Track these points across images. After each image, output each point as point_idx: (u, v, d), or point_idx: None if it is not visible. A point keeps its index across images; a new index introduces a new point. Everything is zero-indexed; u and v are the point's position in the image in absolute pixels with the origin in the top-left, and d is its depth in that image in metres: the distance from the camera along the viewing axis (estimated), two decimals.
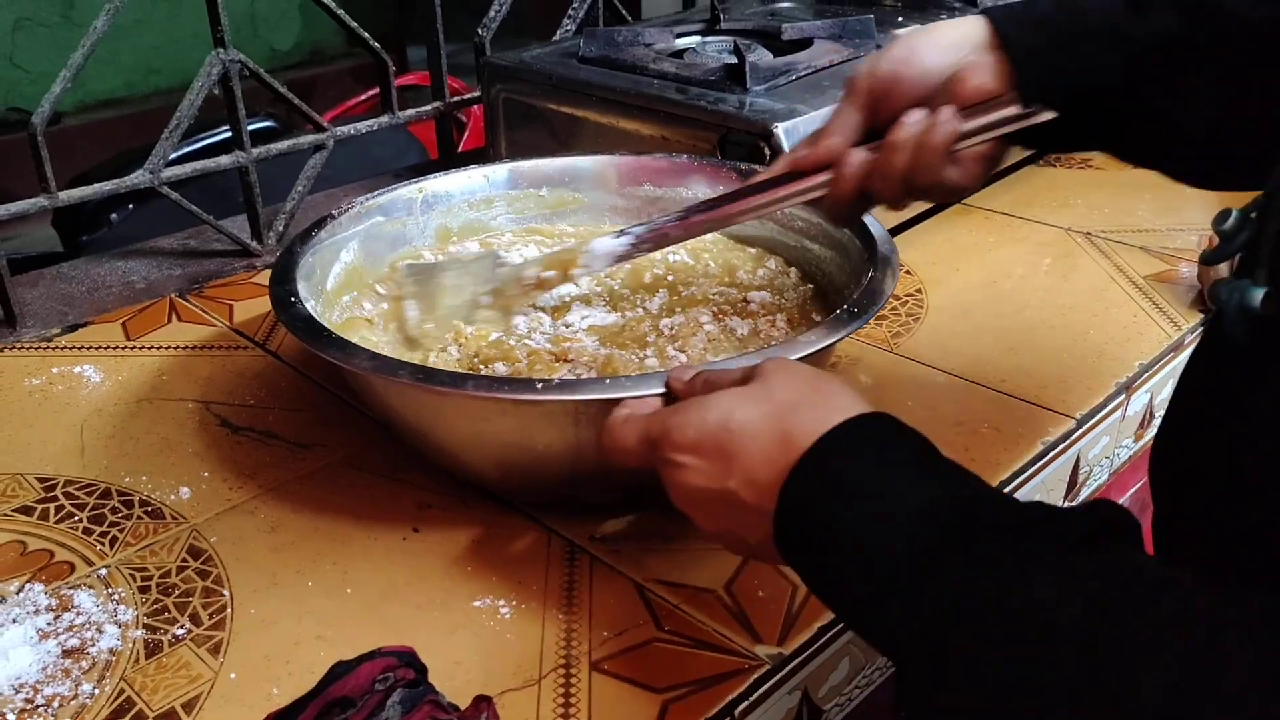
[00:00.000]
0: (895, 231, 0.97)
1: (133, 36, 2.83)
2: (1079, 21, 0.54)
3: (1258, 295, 0.42)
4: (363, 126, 1.02)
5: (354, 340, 0.58)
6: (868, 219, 0.67)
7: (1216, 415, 0.46)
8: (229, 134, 1.27)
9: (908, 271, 0.91)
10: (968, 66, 0.55)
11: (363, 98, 1.92)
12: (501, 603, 0.56)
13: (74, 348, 0.81)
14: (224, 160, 0.92)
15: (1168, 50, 0.53)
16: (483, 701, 0.46)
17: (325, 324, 0.59)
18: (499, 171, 0.80)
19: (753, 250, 0.79)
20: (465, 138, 1.64)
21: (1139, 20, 0.53)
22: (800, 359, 0.54)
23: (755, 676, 0.52)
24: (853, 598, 0.41)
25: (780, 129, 0.78)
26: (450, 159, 1.15)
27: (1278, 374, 0.42)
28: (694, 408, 0.47)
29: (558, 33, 1.13)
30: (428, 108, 1.07)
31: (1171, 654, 0.31)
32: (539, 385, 0.52)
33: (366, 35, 0.97)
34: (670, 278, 0.76)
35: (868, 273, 0.62)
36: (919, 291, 0.89)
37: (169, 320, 0.85)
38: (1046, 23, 0.55)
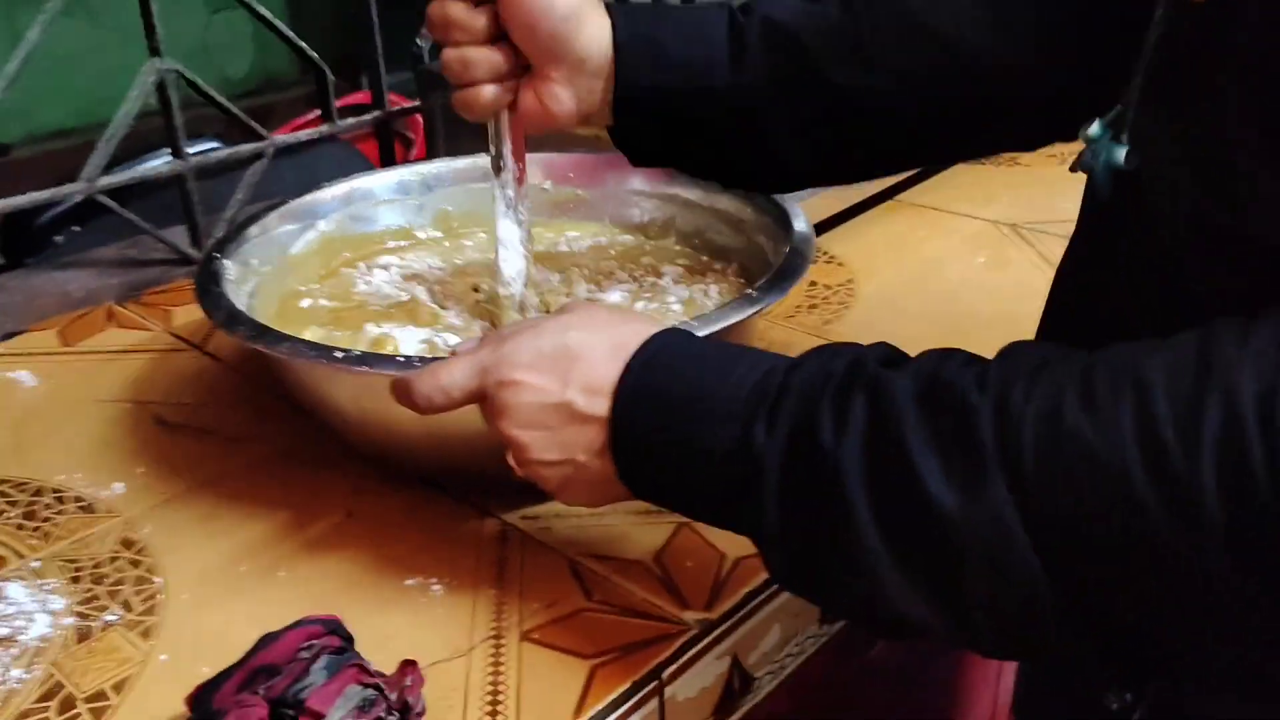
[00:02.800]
0: (828, 225, 0.99)
1: (84, 65, 2.81)
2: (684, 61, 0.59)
3: (1121, 153, 0.46)
4: (303, 135, 1.03)
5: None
6: (792, 209, 0.69)
7: (1090, 274, 0.50)
8: (160, 160, 1.27)
9: (839, 263, 0.94)
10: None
11: (309, 117, 1.93)
12: (433, 580, 0.57)
13: (10, 354, 0.81)
14: (161, 168, 0.93)
15: (760, 99, 0.60)
16: (408, 665, 0.47)
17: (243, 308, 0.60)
18: (432, 168, 0.81)
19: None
20: (414, 152, 1.66)
21: (735, 71, 0.59)
22: (724, 328, 0.56)
23: (682, 641, 0.53)
24: (695, 480, 0.44)
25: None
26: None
27: (1138, 224, 0.46)
28: (526, 332, 0.48)
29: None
30: (367, 117, 1.08)
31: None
32: (339, 354, 0.54)
33: (303, 45, 0.98)
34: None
35: (783, 253, 0.64)
36: (850, 282, 0.91)
37: (106, 326, 0.85)
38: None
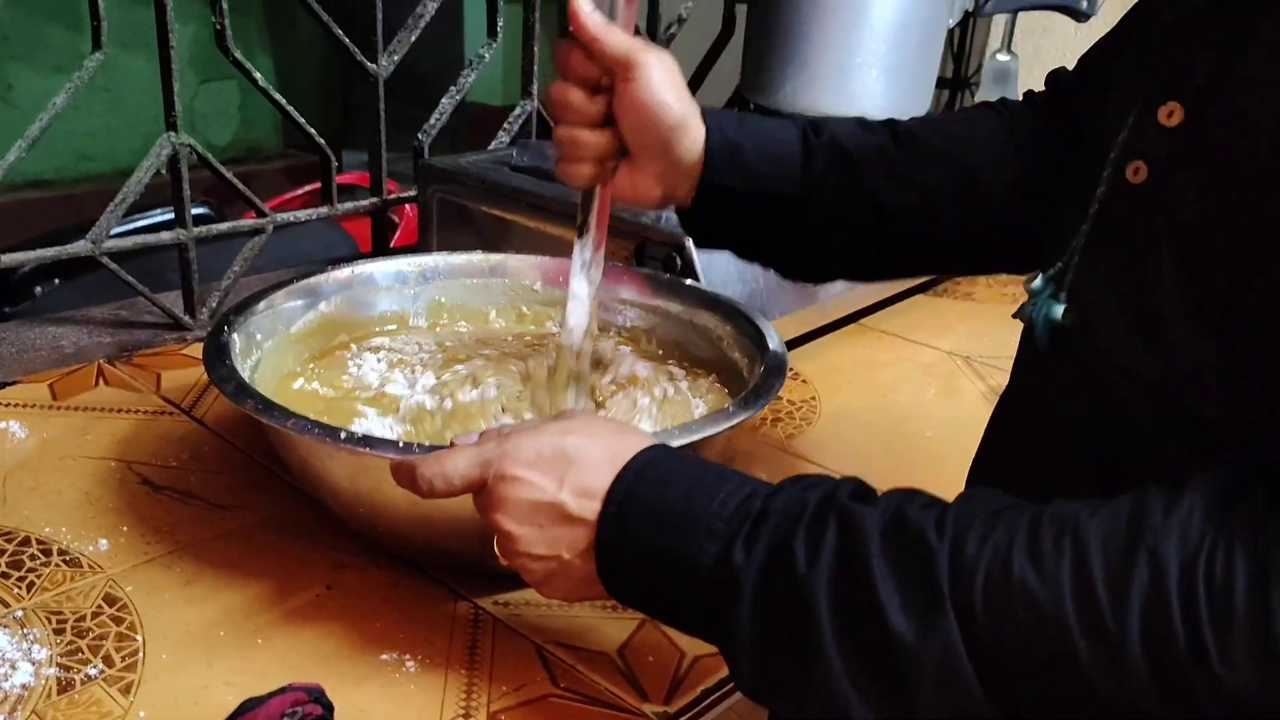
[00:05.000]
0: (796, 343, 1.05)
1: (69, 122, 2.83)
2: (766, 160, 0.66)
3: (1059, 309, 0.52)
4: (301, 215, 1.07)
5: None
6: (767, 329, 0.74)
7: (1022, 416, 0.55)
8: (157, 218, 1.30)
9: (804, 380, 0.99)
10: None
11: (298, 193, 1.98)
12: (407, 657, 0.59)
13: (1, 404, 0.83)
14: (165, 236, 0.96)
15: (817, 208, 0.67)
16: None
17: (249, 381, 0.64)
18: (430, 260, 0.86)
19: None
20: (397, 236, 1.71)
21: (803, 183, 0.66)
22: (700, 440, 0.60)
23: None
24: (673, 590, 0.48)
25: (691, 241, 0.86)
26: (384, 253, 1.21)
27: (1071, 376, 0.52)
28: (528, 432, 0.52)
29: (493, 143, 1.21)
30: (365, 202, 1.13)
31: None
32: (343, 434, 0.57)
33: (312, 131, 1.04)
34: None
35: (757, 370, 0.69)
36: (813, 399, 0.96)
37: (96, 384, 0.88)
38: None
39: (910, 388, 1.00)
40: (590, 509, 0.49)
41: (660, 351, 0.83)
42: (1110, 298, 0.50)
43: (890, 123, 0.69)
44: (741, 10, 1.36)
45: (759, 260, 0.72)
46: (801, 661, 0.43)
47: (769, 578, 0.44)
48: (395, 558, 0.67)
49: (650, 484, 0.49)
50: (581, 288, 0.68)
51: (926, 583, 0.41)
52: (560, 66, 0.63)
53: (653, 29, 1.36)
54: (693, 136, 0.64)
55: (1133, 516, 0.39)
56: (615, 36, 0.60)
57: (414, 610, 0.63)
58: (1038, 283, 0.54)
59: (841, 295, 1.08)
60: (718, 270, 0.88)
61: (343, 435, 0.57)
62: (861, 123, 0.69)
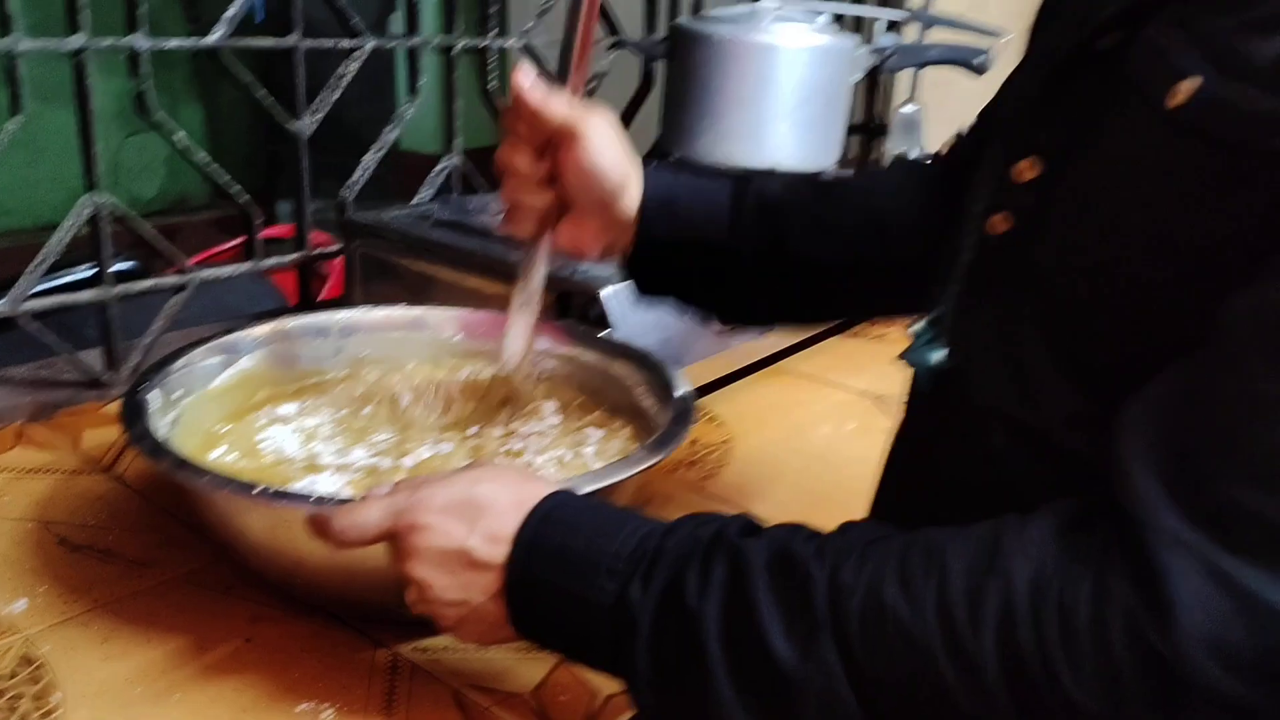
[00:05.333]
0: (714, 386, 1.08)
1: None
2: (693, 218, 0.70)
3: (940, 353, 0.57)
4: (225, 271, 1.09)
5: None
6: (676, 377, 0.77)
7: (911, 454, 0.59)
8: (80, 274, 1.29)
9: (720, 423, 1.02)
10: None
11: (228, 245, 1.98)
12: (325, 706, 0.60)
13: None
14: (86, 295, 0.97)
15: (745, 257, 0.71)
16: None
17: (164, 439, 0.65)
18: (351, 315, 0.88)
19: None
20: (327, 288, 1.71)
21: (731, 233, 0.70)
22: (608, 486, 0.63)
23: None
24: (576, 629, 0.50)
25: (605, 293, 0.89)
26: (310, 306, 1.22)
27: (952, 417, 0.56)
28: (437, 482, 0.54)
29: (415, 198, 1.23)
30: (289, 257, 1.15)
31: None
32: (257, 489, 0.59)
33: (239, 187, 1.05)
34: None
35: (667, 416, 0.72)
36: (729, 441, 0.99)
37: (14, 445, 0.88)
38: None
39: (824, 427, 1.04)
40: (499, 554, 0.52)
41: (579, 400, 0.86)
42: (982, 344, 0.54)
43: (814, 175, 0.75)
44: (659, 67, 1.41)
45: (697, 306, 0.75)
46: (696, 692, 0.46)
47: (664, 613, 0.47)
48: (314, 609, 0.68)
49: (555, 528, 0.51)
50: (520, 325, 0.73)
51: (806, 611, 0.43)
52: (506, 130, 0.66)
53: None
54: (632, 194, 0.68)
55: (989, 540, 0.42)
56: (556, 106, 0.64)
57: (332, 660, 0.65)
58: (920, 325, 0.58)
59: (757, 340, 1.12)
60: (634, 320, 0.92)
61: (256, 491, 0.58)
62: (789, 175, 0.74)
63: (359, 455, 0.75)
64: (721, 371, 1.08)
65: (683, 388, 0.76)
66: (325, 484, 0.71)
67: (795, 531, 0.48)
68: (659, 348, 0.84)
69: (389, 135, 1.19)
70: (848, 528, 0.48)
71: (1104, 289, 0.46)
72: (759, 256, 0.71)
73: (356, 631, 0.67)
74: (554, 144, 0.65)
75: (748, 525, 0.50)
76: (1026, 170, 0.51)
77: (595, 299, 0.90)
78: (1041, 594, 0.40)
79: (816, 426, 1.04)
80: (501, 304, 0.95)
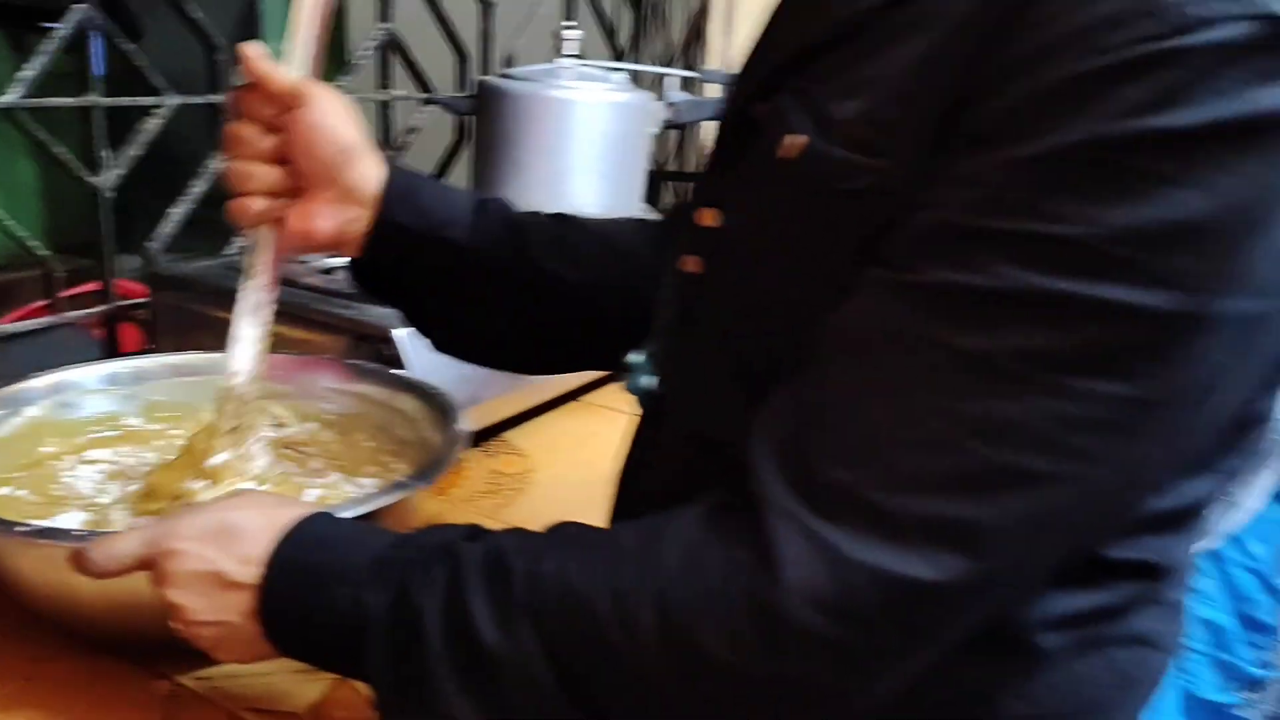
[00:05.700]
0: (519, 420, 1.14)
1: None
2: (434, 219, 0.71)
3: (652, 381, 0.64)
4: (26, 325, 1.09)
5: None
6: (456, 410, 0.83)
7: (635, 468, 0.67)
8: None
9: (521, 454, 1.08)
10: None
11: (64, 295, 1.94)
12: None
13: None
14: None
15: (486, 265, 0.72)
16: None
17: None
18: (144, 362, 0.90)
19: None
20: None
21: (474, 230, 0.72)
22: (371, 511, 0.68)
23: None
24: (322, 637, 0.54)
25: (396, 334, 0.95)
26: (104, 357, 1.23)
27: (661, 436, 0.63)
28: (193, 510, 0.59)
29: (225, 249, 1.26)
30: (95, 310, 1.16)
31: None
32: (21, 528, 0.61)
33: (34, 244, 1.06)
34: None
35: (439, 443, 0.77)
36: (529, 470, 1.05)
37: None
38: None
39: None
40: (251, 574, 0.55)
41: (364, 438, 0.91)
42: (682, 372, 0.61)
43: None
44: (471, 121, 1.48)
45: (424, 320, 0.77)
46: (423, 687, 0.51)
47: (395, 615, 0.52)
48: (95, 645, 0.71)
49: (305, 547, 0.56)
50: (248, 330, 0.72)
51: (508, 599, 0.49)
52: (235, 108, 0.68)
53: (388, 135, 1.46)
54: (364, 167, 0.68)
55: (656, 527, 0.49)
56: (283, 74, 0.67)
57: (114, 693, 0.67)
58: (636, 355, 0.66)
59: (559, 376, 1.19)
60: (427, 360, 0.97)
61: (19, 528, 0.61)
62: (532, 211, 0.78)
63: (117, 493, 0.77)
64: (522, 407, 1.14)
65: (457, 418, 0.81)
66: (74, 520, 0.74)
67: (511, 533, 0.54)
68: (455, 384, 0.90)
69: (194, 189, 1.22)
70: (556, 528, 0.54)
71: (763, 318, 0.54)
72: (499, 264, 0.72)
73: (138, 664, 0.70)
74: (283, 114, 0.67)
75: (474, 531, 0.55)
76: (708, 218, 0.59)
77: (388, 339, 0.95)
78: (686, 564, 0.47)
79: (610, 454, 1.11)
80: (302, 348, 1.00)
